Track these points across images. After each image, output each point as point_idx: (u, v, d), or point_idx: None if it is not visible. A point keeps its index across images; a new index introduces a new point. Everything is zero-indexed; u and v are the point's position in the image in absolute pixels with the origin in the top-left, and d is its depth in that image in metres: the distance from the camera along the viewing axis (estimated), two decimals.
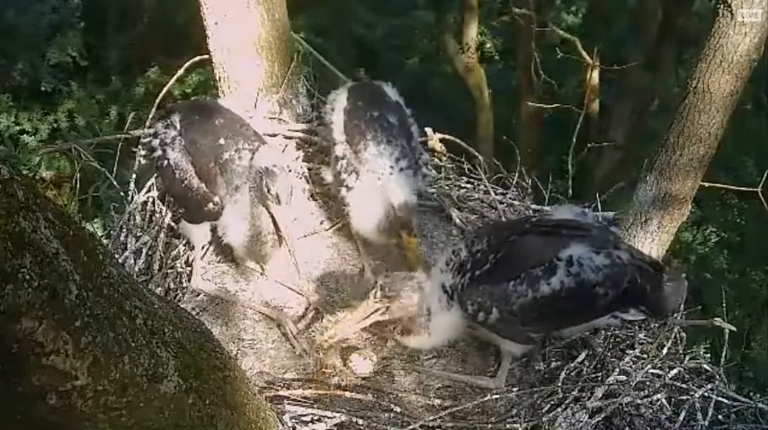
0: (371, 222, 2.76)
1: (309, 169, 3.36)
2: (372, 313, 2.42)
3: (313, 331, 2.72)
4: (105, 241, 3.09)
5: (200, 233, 2.80)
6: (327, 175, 2.99)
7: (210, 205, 2.62)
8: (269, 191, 2.47)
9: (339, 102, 2.94)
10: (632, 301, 2.41)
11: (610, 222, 3.00)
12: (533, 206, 3.32)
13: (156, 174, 3.02)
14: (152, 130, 2.79)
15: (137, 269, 2.85)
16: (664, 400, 2.45)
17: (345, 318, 2.50)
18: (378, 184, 2.72)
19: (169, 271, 2.88)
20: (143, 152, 3.00)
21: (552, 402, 2.39)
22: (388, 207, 2.68)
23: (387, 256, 3.01)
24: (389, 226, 2.71)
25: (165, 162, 2.68)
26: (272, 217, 2.55)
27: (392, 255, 3.01)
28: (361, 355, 2.54)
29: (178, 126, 2.71)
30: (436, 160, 3.52)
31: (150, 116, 3.46)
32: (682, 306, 2.75)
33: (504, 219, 3.23)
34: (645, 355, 2.59)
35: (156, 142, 2.74)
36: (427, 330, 2.45)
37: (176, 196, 2.74)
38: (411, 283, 2.41)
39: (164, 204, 3.02)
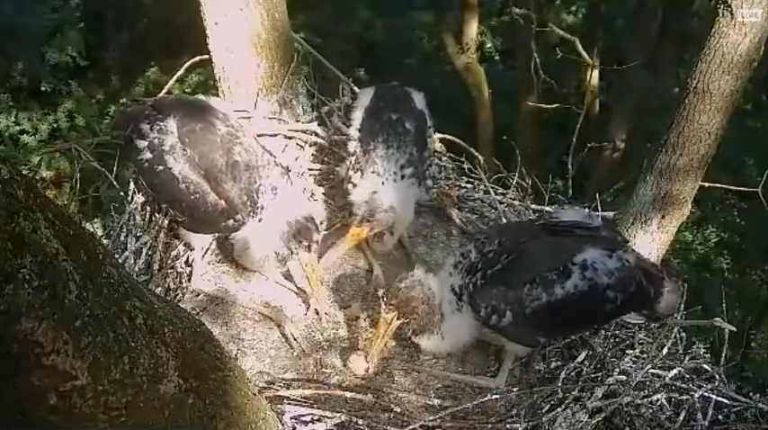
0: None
1: (310, 169, 3.36)
2: (391, 324, 2.43)
3: (313, 332, 2.72)
4: (105, 241, 3.07)
5: (201, 236, 2.80)
6: (342, 171, 2.98)
7: (231, 221, 2.63)
8: (301, 245, 2.60)
9: (363, 100, 2.96)
10: (636, 305, 2.43)
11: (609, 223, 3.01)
12: (533, 206, 3.32)
13: (138, 174, 2.90)
14: (135, 129, 2.70)
15: (137, 269, 2.84)
16: (664, 400, 2.45)
17: (373, 341, 2.49)
18: (380, 188, 2.72)
19: (169, 271, 2.88)
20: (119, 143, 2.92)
21: (552, 402, 2.39)
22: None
23: (388, 256, 3.01)
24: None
25: (161, 168, 2.62)
26: (306, 271, 2.66)
27: (393, 255, 3.02)
28: (361, 356, 2.53)
29: (175, 132, 2.64)
30: (436, 160, 3.51)
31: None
32: (681, 306, 2.75)
33: (504, 219, 3.23)
34: (645, 355, 2.59)
35: (142, 143, 2.65)
36: (440, 331, 2.45)
37: (183, 207, 2.66)
38: (409, 281, 2.42)
39: (152, 207, 2.98)
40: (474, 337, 2.52)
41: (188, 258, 2.90)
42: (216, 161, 2.62)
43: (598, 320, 2.51)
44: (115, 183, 3.22)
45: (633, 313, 2.45)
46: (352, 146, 2.85)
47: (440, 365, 2.62)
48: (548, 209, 3.28)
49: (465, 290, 2.38)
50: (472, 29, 8.30)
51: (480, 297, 2.35)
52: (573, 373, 2.51)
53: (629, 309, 2.44)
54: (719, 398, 2.44)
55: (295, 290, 2.84)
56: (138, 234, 2.96)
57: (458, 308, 2.41)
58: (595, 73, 6.72)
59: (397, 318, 2.42)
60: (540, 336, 2.48)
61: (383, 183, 2.73)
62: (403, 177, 2.73)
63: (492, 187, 3.38)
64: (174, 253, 2.94)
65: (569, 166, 3.61)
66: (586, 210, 2.64)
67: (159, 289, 2.77)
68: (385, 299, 2.42)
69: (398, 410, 2.38)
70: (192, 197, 2.60)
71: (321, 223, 2.80)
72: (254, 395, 1.84)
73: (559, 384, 2.43)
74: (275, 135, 3.38)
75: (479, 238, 2.49)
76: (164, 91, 3.68)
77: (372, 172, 2.74)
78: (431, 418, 2.32)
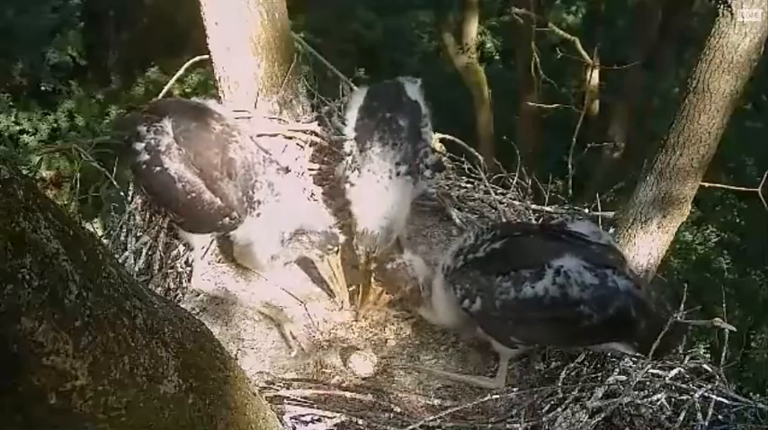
0: (371, 220, 2.77)
1: (310, 169, 3.36)
2: (381, 296, 2.67)
3: (312, 332, 2.72)
4: (105, 241, 3.07)
5: (200, 236, 2.80)
6: (339, 171, 2.98)
7: (227, 220, 2.62)
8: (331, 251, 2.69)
9: (356, 100, 2.98)
10: (621, 333, 2.31)
11: (610, 223, 3.01)
12: (533, 206, 3.32)
13: (136, 177, 2.87)
14: (133, 132, 2.68)
15: (137, 269, 2.84)
16: (664, 400, 2.44)
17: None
18: (377, 187, 2.74)
19: (169, 271, 2.88)
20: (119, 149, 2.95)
21: (552, 402, 2.39)
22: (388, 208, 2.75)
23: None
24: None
25: (158, 169, 2.59)
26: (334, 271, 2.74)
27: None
28: (361, 355, 2.54)
29: (171, 132, 2.62)
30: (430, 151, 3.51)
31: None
32: (682, 306, 2.74)
33: (504, 219, 3.23)
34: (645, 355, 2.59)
35: (140, 146, 2.62)
36: (430, 304, 2.59)
37: (180, 207, 2.64)
38: (395, 264, 2.62)
39: (152, 207, 2.96)
40: (463, 323, 2.54)
41: (188, 258, 2.91)
42: (211, 159, 2.61)
43: (577, 338, 2.40)
44: (115, 183, 3.22)
45: (621, 343, 2.33)
46: (348, 145, 2.88)
47: (440, 365, 2.63)
48: (547, 209, 3.28)
49: (448, 271, 2.47)
50: (472, 29, 8.31)
51: (456, 278, 2.42)
52: (573, 373, 2.51)
53: (612, 336, 2.32)
54: (719, 398, 2.43)
55: (293, 294, 2.84)
56: (138, 234, 2.97)
57: (445, 287, 2.48)
58: (595, 73, 6.70)
59: (386, 293, 2.66)
60: (513, 337, 2.41)
61: (378, 181, 2.74)
62: (398, 174, 2.74)
63: (492, 187, 3.38)
64: (174, 253, 2.94)
65: (569, 166, 3.60)
66: (601, 230, 2.60)
67: (159, 289, 2.77)
68: (374, 275, 2.63)
69: (398, 410, 2.38)
70: (189, 196, 2.58)
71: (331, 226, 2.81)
72: (254, 395, 1.84)
73: (559, 384, 2.42)
74: (275, 135, 3.38)
75: (482, 228, 2.56)
76: (164, 91, 3.68)
77: (369, 170, 2.76)
78: (431, 418, 2.32)
